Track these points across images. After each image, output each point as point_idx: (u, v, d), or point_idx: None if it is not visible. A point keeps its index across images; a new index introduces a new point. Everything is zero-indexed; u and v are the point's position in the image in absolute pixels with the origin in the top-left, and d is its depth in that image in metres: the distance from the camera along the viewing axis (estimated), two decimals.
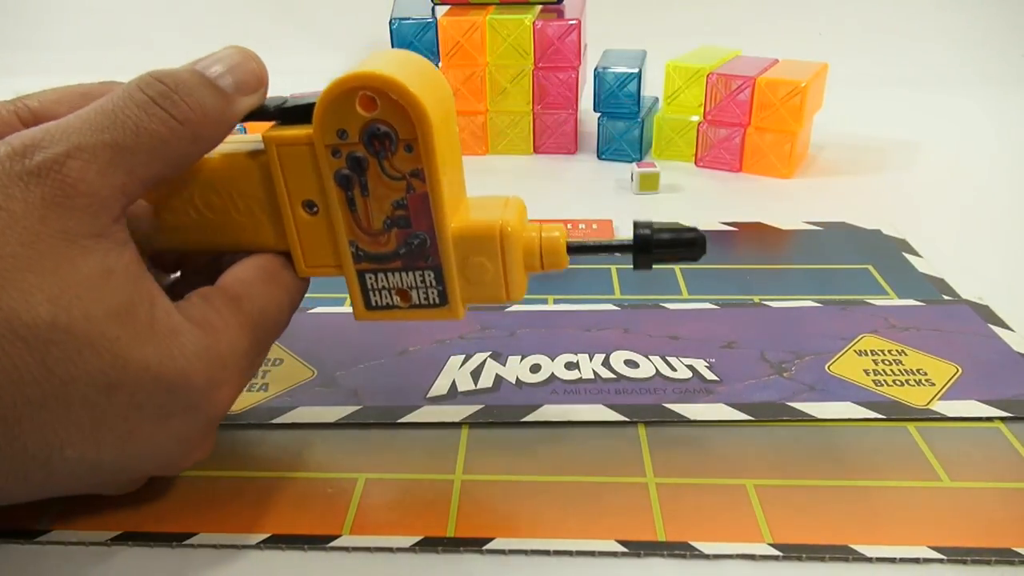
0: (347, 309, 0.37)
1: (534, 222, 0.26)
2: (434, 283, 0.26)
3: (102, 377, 0.21)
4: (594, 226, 0.46)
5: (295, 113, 0.25)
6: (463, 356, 0.33)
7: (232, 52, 0.25)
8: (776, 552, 0.24)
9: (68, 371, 0.20)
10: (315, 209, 0.25)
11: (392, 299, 0.26)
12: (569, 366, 0.33)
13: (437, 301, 0.26)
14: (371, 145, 0.24)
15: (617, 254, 0.26)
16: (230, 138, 0.25)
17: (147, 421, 0.22)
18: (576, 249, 0.26)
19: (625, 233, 0.44)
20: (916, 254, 0.42)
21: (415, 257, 0.25)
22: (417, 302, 0.26)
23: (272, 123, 0.25)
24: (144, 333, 0.21)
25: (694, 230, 0.25)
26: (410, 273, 0.26)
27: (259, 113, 0.25)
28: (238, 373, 0.24)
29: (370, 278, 0.26)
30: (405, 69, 0.23)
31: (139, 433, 0.22)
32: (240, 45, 0.25)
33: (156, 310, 0.22)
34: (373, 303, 0.26)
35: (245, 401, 0.31)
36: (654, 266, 0.26)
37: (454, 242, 0.25)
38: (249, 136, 0.26)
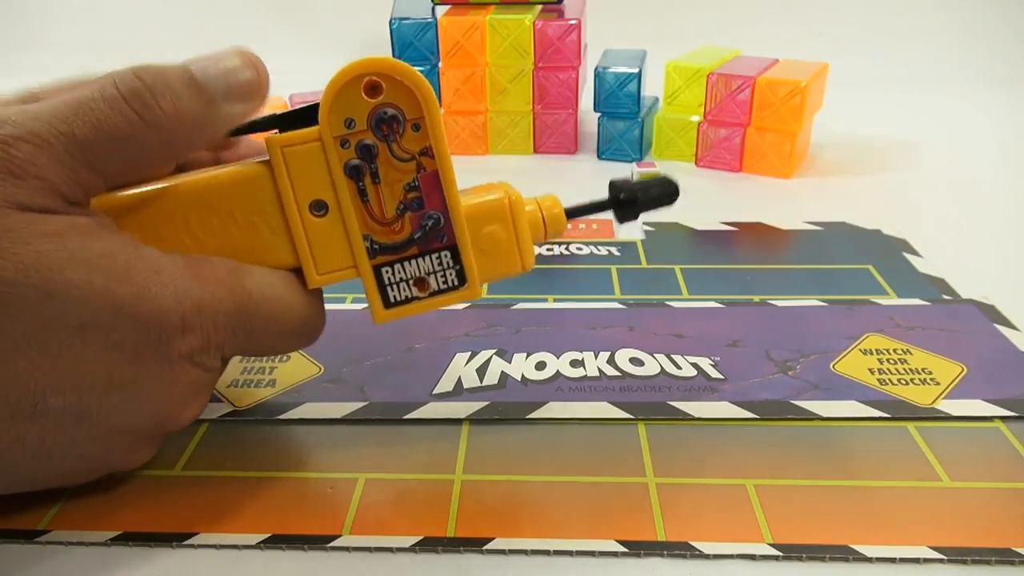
0: (353, 306, 0.37)
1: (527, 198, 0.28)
2: (451, 263, 0.26)
3: (74, 319, 0.21)
4: (594, 226, 0.46)
5: (289, 119, 0.25)
6: (469, 353, 0.33)
7: (232, 54, 0.24)
8: (776, 552, 0.24)
9: (36, 318, 0.21)
10: (323, 211, 0.25)
11: (411, 291, 0.26)
12: (574, 364, 0.33)
13: (456, 282, 0.26)
14: (379, 130, 0.24)
15: (611, 214, 0.28)
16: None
17: (127, 363, 0.22)
18: (571, 213, 0.28)
19: (621, 230, 0.45)
20: (916, 254, 0.42)
21: (430, 239, 0.26)
22: (436, 288, 0.26)
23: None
24: (121, 275, 0.22)
25: (666, 180, 0.28)
26: (427, 258, 0.26)
27: (249, 127, 0.25)
28: (212, 328, 0.23)
29: (387, 272, 0.26)
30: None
31: (119, 377, 0.22)
32: (245, 48, 0.24)
33: (140, 251, 0.22)
34: (392, 299, 0.26)
35: (252, 397, 0.31)
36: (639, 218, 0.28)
37: (466, 216, 0.26)
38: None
